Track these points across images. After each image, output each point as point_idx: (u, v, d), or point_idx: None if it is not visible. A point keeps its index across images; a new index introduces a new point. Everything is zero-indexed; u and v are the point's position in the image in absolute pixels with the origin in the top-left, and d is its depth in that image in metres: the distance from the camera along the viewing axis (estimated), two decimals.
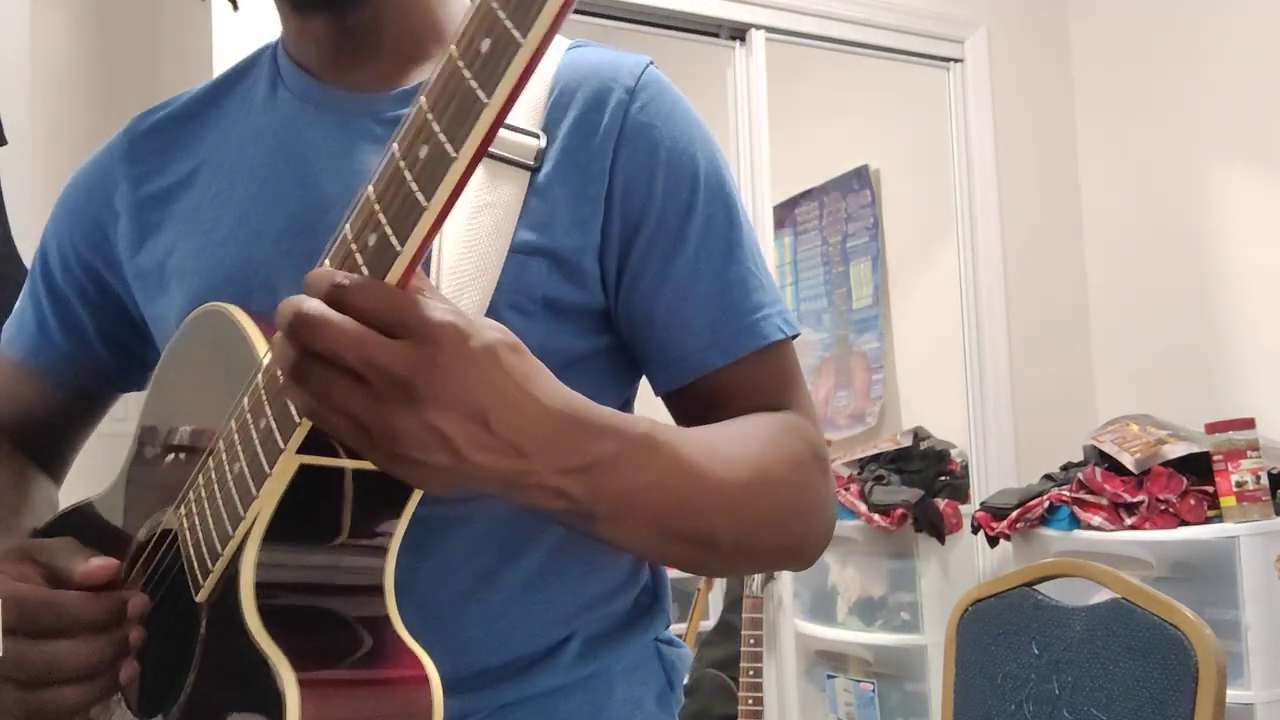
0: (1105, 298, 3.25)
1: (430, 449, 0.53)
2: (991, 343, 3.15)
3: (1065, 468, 2.87)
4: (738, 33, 2.94)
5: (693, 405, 0.80)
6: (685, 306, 0.78)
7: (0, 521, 0.83)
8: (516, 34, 0.48)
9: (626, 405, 0.85)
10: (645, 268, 0.78)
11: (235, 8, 2.11)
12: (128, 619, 0.70)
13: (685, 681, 0.88)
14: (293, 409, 0.57)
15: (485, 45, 0.49)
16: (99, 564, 0.71)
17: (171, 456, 0.75)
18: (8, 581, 0.69)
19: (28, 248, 2.10)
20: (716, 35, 2.94)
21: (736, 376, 0.79)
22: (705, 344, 0.79)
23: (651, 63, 0.82)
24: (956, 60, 3.20)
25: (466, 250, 0.67)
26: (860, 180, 3.59)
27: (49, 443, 0.96)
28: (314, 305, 0.53)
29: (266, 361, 0.61)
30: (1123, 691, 1.38)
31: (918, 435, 3.18)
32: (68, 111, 2.48)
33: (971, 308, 3.18)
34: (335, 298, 0.53)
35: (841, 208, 3.66)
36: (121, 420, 1.04)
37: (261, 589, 0.61)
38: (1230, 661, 2.20)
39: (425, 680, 0.60)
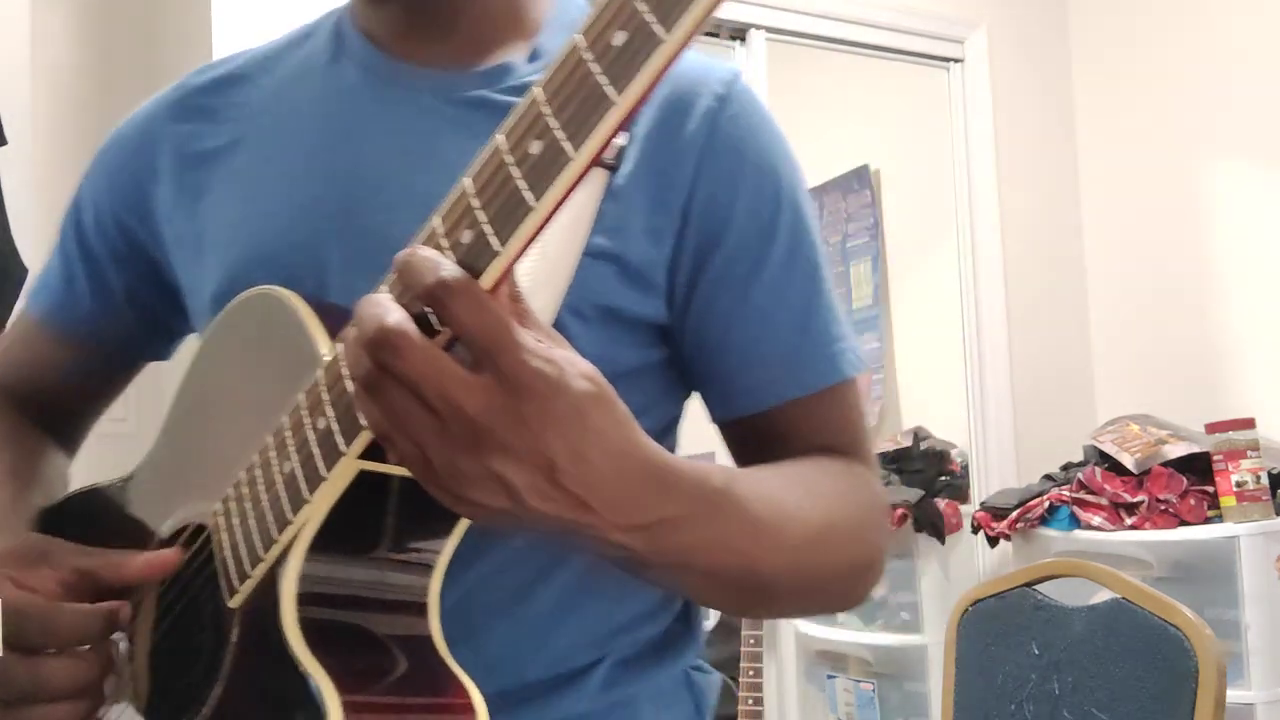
0: (1105, 298, 3.25)
1: (491, 493, 0.50)
2: (991, 343, 3.15)
3: (1065, 468, 2.86)
4: (738, 33, 2.94)
5: (753, 437, 0.76)
6: (763, 333, 0.74)
7: (7, 500, 0.78)
8: (659, 29, 0.44)
9: (674, 422, 0.81)
10: (722, 289, 0.74)
11: None
12: (114, 633, 0.66)
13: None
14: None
15: (619, 39, 0.45)
16: (169, 554, 0.67)
17: (208, 447, 0.70)
18: (10, 589, 0.65)
19: (27, 247, 2.09)
20: (716, 35, 2.93)
21: (805, 412, 0.75)
22: (779, 375, 0.75)
23: (741, 73, 0.77)
24: (956, 60, 3.20)
25: (540, 251, 0.62)
26: (860, 180, 3.59)
27: (63, 411, 0.91)
28: (399, 321, 0.48)
29: (329, 358, 0.57)
30: (1123, 691, 1.38)
31: (918, 435, 3.18)
32: (68, 111, 2.48)
33: (971, 308, 3.17)
34: (435, 296, 0.48)
35: (841, 208, 3.65)
36: (121, 420, 1.03)
37: (303, 600, 0.57)
38: (1230, 661, 2.20)
39: (471, 709, 0.57)
